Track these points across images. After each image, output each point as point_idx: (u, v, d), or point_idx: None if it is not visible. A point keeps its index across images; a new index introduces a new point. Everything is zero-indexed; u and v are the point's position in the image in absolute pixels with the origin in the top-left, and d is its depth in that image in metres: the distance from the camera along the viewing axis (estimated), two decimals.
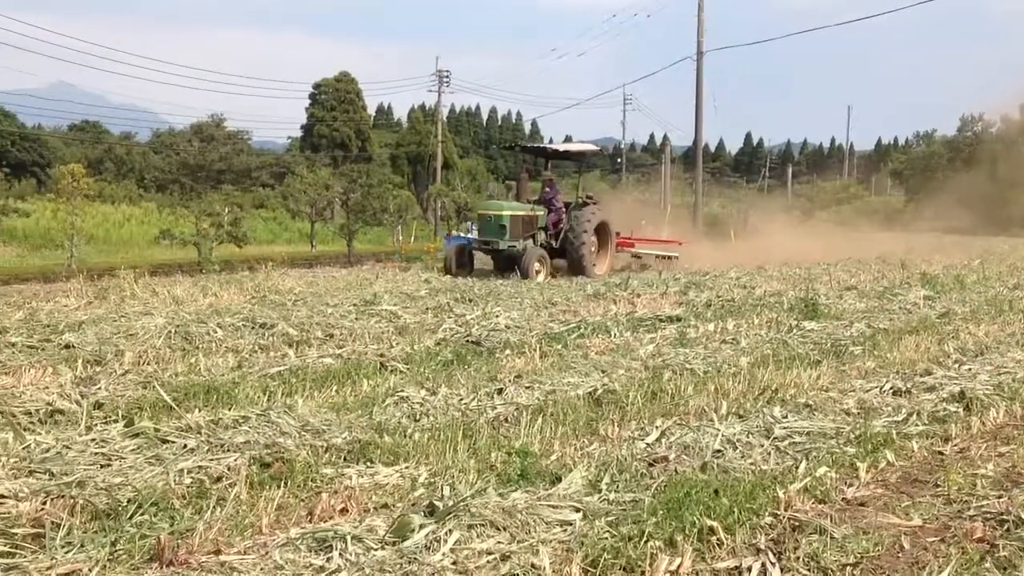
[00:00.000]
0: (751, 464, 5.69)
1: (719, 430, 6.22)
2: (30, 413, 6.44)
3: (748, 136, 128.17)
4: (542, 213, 21.87)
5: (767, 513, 4.84)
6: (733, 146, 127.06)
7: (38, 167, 66.20)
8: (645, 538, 4.40)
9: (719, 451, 5.87)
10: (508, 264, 20.56)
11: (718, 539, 4.48)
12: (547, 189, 22.57)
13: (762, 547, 4.45)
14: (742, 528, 4.63)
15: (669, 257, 24.85)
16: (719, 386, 7.93)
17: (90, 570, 3.97)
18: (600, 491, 5.07)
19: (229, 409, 6.51)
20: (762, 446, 6.02)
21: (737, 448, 5.97)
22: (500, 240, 20.81)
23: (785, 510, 4.88)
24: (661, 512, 4.68)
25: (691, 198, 49.09)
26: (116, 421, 6.12)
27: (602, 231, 22.42)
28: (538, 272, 20.09)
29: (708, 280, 17.82)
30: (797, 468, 5.61)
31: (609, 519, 4.63)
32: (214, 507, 4.74)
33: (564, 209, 22.14)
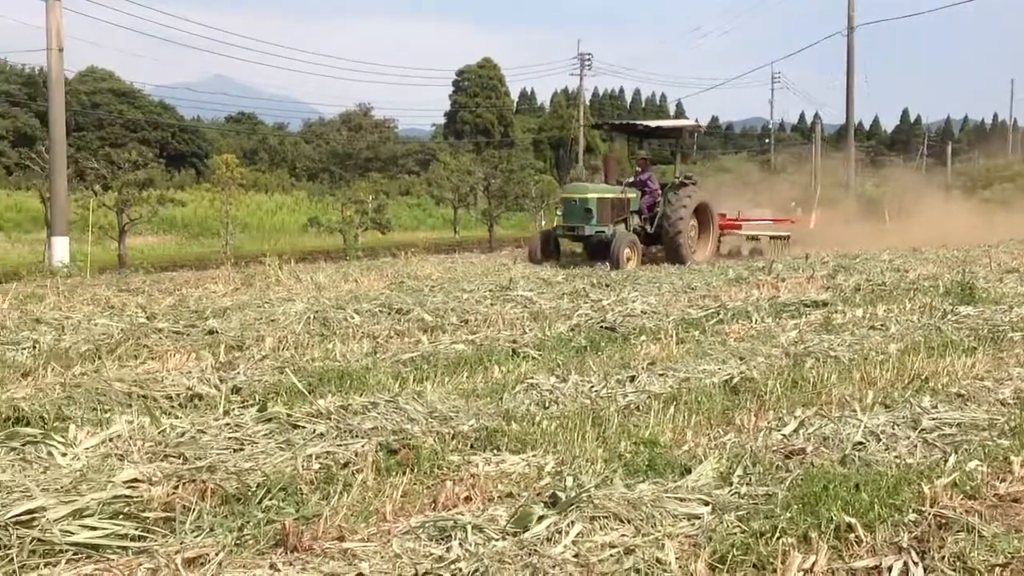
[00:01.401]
0: (895, 457, 5.39)
1: (862, 421, 5.93)
2: (171, 397, 6.63)
3: (904, 113, 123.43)
4: (634, 196, 20.35)
5: (911, 509, 4.56)
6: (889, 124, 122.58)
7: (196, 158, 68.88)
8: (777, 534, 4.20)
9: (861, 443, 5.59)
10: (599, 251, 19.23)
11: (856, 536, 4.24)
12: (640, 170, 21.22)
13: (904, 545, 4.19)
14: (883, 525, 4.37)
15: (781, 238, 23.10)
16: (865, 374, 7.58)
17: (217, 554, 4.00)
18: (731, 484, 4.89)
19: (360, 395, 6.56)
20: (908, 438, 5.70)
21: (881, 440, 5.67)
22: (586, 225, 19.44)
23: (931, 506, 4.59)
24: (796, 507, 4.46)
25: (843, 178, 47.56)
26: (251, 406, 6.23)
27: (702, 214, 20.84)
28: (628, 259, 18.73)
29: (858, 263, 17.20)
30: (945, 462, 5.29)
31: (740, 513, 4.45)
32: (340, 493, 4.75)
33: (660, 191, 20.68)
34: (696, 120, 28.26)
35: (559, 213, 20.75)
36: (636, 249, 19.20)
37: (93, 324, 9.60)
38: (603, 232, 19.26)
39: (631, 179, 21.03)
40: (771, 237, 23.06)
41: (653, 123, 23.61)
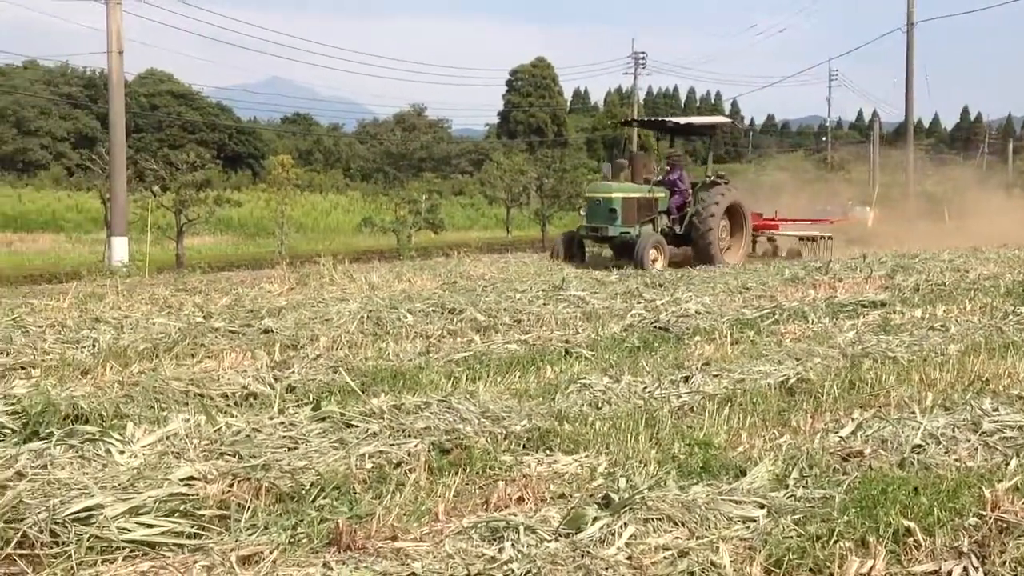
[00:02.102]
0: (955, 460, 5.28)
1: (921, 423, 5.82)
2: (227, 396, 6.70)
3: (965, 110, 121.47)
4: (663, 195, 19.50)
5: (971, 513, 4.45)
6: (948, 121, 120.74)
7: (253, 159, 69.74)
8: (834, 538, 4.13)
9: (920, 446, 5.48)
10: (625, 253, 18.56)
11: (915, 541, 4.15)
12: (671, 169, 20.27)
13: (964, 550, 4.10)
14: (942, 529, 4.28)
15: (820, 238, 21.64)
16: (924, 376, 7.45)
17: (271, 552, 4.03)
18: (787, 487, 4.81)
19: (412, 394, 6.57)
20: (968, 441, 5.59)
21: (940, 443, 5.56)
22: (610, 226, 18.61)
23: (992, 510, 4.48)
24: (853, 510, 4.38)
25: (902, 176, 46.87)
26: (306, 405, 6.26)
27: (735, 214, 19.94)
28: (654, 261, 17.99)
29: (917, 263, 16.92)
30: (1007, 465, 5.17)
31: (796, 517, 4.38)
32: (393, 492, 4.76)
33: (690, 191, 19.82)
34: (738, 117, 27.58)
35: (582, 213, 20.04)
36: (663, 250, 18.50)
37: (151, 323, 9.74)
38: (628, 233, 18.56)
39: (660, 178, 20.23)
40: (806, 238, 21.88)
41: (683, 120, 22.75)
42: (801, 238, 21.86)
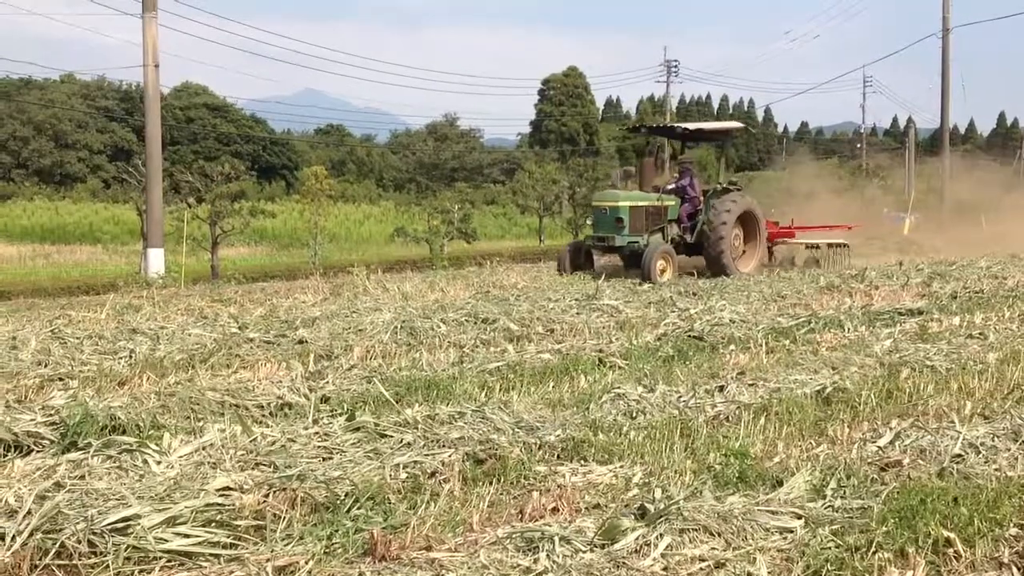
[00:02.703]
0: (995, 470, 5.21)
1: (960, 432, 5.75)
2: (262, 406, 6.73)
3: (1001, 115, 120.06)
4: (673, 203, 18.82)
5: (1012, 524, 4.40)
6: (985, 127, 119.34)
7: (287, 170, 70.27)
8: (873, 549, 4.09)
9: (959, 455, 5.41)
10: (634, 262, 17.87)
11: (955, 551, 4.11)
12: (681, 176, 19.57)
13: (1005, 560, 4.07)
14: (983, 540, 4.23)
15: (839, 245, 21.07)
16: (963, 385, 7.35)
17: (306, 563, 4.03)
18: (825, 497, 4.77)
19: (446, 404, 6.57)
20: (1009, 450, 5.51)
21: (980, 452, 5.49)
22: (617, 235, 17.87)
23: None
24: (892, 521, 4.34)
25: (938, 183, 46.43)
26: (340, 415, 6.28)
27: (748, 222, 19.22)
28: (663, 271, 17.22)
29: (955, 270, 16.75)
30: None
31: (834, 527, 4.34)
32: (427, 502, 4.76)
33: (701, 198, 19.09)
34: (753, 122, 26.93)
35: (589, 223, 19.43)
36: (671, 260, 17.70)
37: (187, 334, 9.81)
38: (636, 242, 17.90)
39: (670, 185, 19.50)
40: (822, 246, 21.11)
41: (692, 125, 21.92)
42: (817, 246, 21.20)
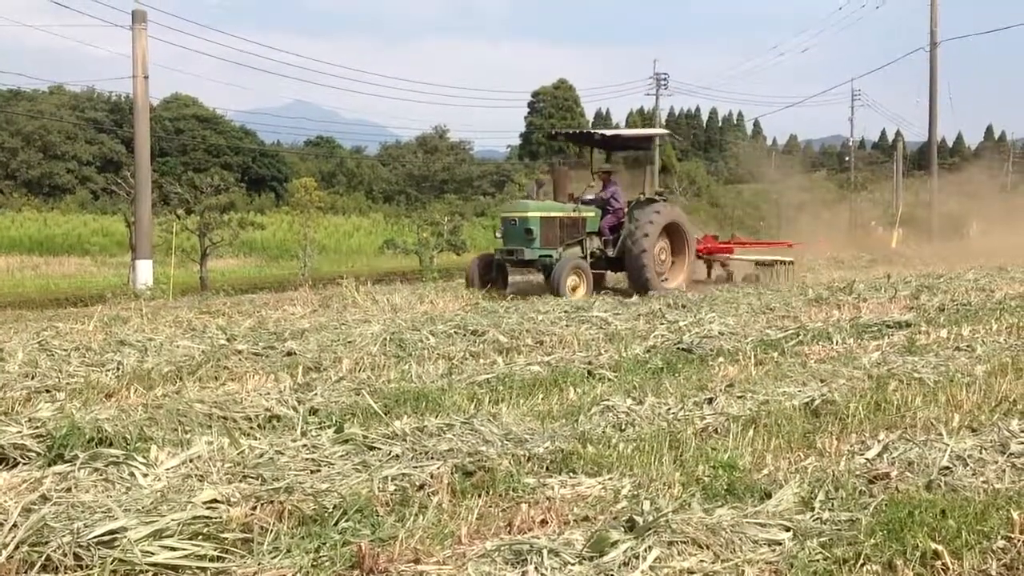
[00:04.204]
0: (983, 482, 5.21)
1: (948, 445, 5.75)
2: (250, 419, 6.70)
3: (989, 128, 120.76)
4: (592, 215, 17.65)
5: (1000, 536, 4.39)
6: (972, 140, 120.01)
7: (276, 182, 70.20)
8: (861, 561, 4.09)
9: (947, 468, 5.42)
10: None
11: (943, 564, 4.11)
12: (604, 185, 18.38)
13: (993, 573, 4.07)
14: (971, 552, 4.23)
15: (780, 263, 19.88)
16: (951, 397, 7.37)
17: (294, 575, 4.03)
18: (813, 509, 4.77)
19: (435, 416, 6.56)
20: (996, 463, 5.51)
21: (968, 465, 5.49)
22: (526, 248, 16.63)
23: (1020, 533, 4.42)
24: (880, 533, 4.34)
25: (926, 196, 46.68)
26: (328, 427, 6.26)
27: (676, 235, 18.17)
28: (574, 288, 16.14)
29: (942, 282, 16.78)
30: None
31: (822, 540, 4.34)
32: (416, 515, 4.74)
33: (626, 210, 17.99)
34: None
35: (497, 236, 17.90)
36: (584, 275, 16.57)
37: (175, 346, 9.78)
38: (549, 256, 16.71)
39: (588, 195, 18.39)
40: (763, 263, 20.06)
41: (610, 132, 20.06)
42: (758, 263, 20.22)
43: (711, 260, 20.05)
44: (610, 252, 17.66)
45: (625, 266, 17.54)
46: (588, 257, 17.23)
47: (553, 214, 17.06)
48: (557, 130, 18.86)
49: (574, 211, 17.36)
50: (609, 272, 18.31)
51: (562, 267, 16.18)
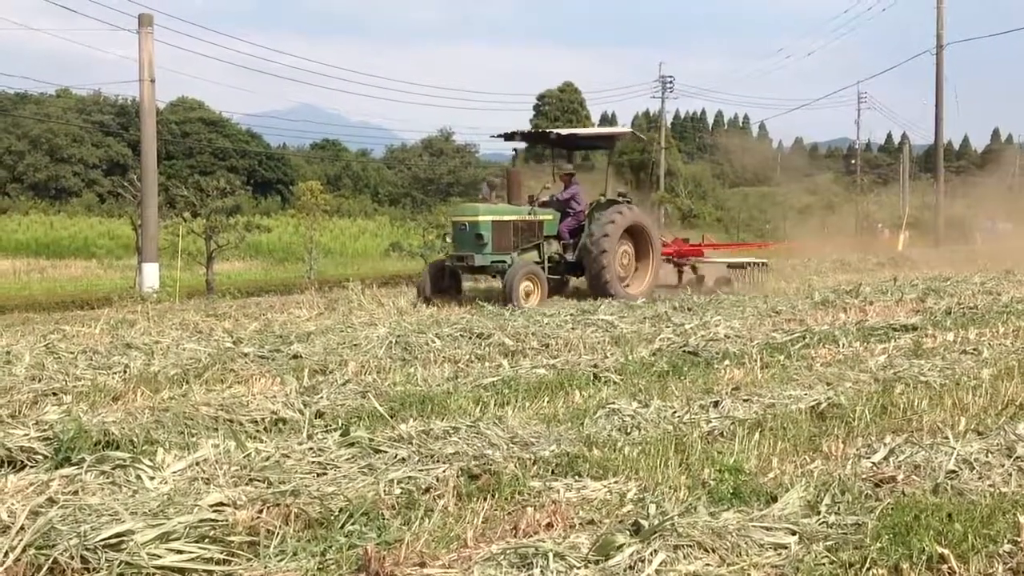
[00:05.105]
0: (989, 486, 5.20)
1: (954, 448, 5.74)
2: (256, 422, 6.72)
3: (995, 132, 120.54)
4: (550, 218, 16.79)
5: (1006, 540, 4.39)
6: (979, 143, 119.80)
7: (282, 185, 70.26)
8: (867, 565, 4.09)
9: (953, 471, 5.41)
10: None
11: (949, 568, 4.10)
12: (565, 187, 17.42)
13: None
14: (977, 556, 4.22)
15: (756, 265, 19.01)
16: (957, 400, 7.36)
17: None
18: (819, 513, 4.76)
19: (441, 420, 6.57)
20: (1003, 466, 5.51)
21: (974, 468, 5.48)
22: (476, 254, 15.79)
23: None
24: (886, 537, 4.34)
25: (932, 199, 46.61)
26: (334, 430, 6.27)
27: (640, 238, 17.28)
28: (528, 294, 15.26)
29: (949, 286, 16.77)
30: None
31: (828, 543, 4.33)
32: (422, 518, 4.75)
33: (586, 212, 17.09)
34: (642, 130, 23.63)
35: (448, 241, 17.42)
36: (539, 281, 15.58)
37: (181, 349, 9.80)
38: (503, 262, 15.81)
39: (544, 197, 17.34)
40: (735, 266, 19.14)
41: (566, 131, 18.64)
42: (730, 266, 19.32)
43: (681, 264, 19.30)
44: (570, 256, 16.89)
45: (584, 271, 16.75)
46: (546, 262, 16.53)
47: (506, 217, 16.23)
48: (514, 131, 17.78)
49: (530, 214, 16.52)
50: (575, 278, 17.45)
51: (514, 273, 15.31)
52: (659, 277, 17.93)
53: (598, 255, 16.22)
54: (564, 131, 18.24)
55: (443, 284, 16.35)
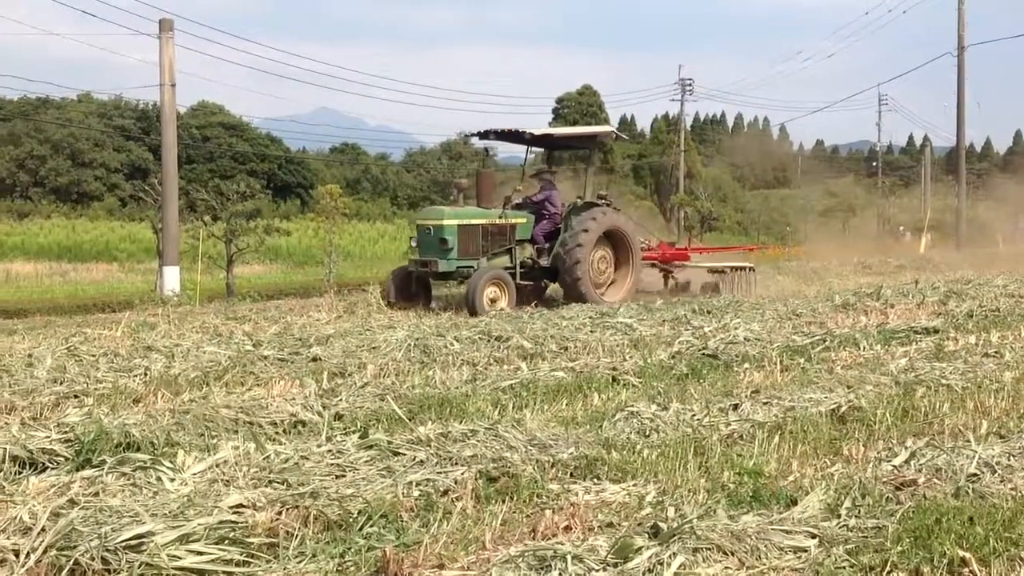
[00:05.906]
0: (1011, 489, 5.16)
1: (976, 452, 5.70)
2: (275, 424, 6.74)
3: (1018, 134, 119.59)
4: (523, 221, 16.16)
5: None
6: (1001, 145, 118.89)
7: (302, 188, 70.42)
8: (888, 568, 4.07)
9: (975, 475, 5.37)
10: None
11: (971, 571, 4.08)
12: (540, 189, 16.95)
13: None
14: (998, 559, 4.20)
15: (743, 269, 18.74)
16: (979, 403, 7.32)
17: None
18: (839, 516, 4.74)
19: (459, 422, 6.57)
20: None
21: (996, 472, 5.44)
22: (441, 260, 15.15)
23: None
24: (907, 540, 4.31)
25: (954, 201, 46.32)
26: (353, 432, 6.28)
27: (619, 242, 16.72)
28: (493, 301, 14.67)
29: (971, 288, 16.63)
30: None
31: (848, 547, 4.31)
32: (440, 520, 4.75)
33: (562, 215, 16.50)
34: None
35: (413, 245, 16.35)
36: (505, 287, 15.02)
37: (202, 351, 9.85)
38: (470, 267, 15.30)
39: (517, 199, 16.71)
40: (720, 270, 18.77)
41: (540, 131, 17.68)
42: (715, 270, 18.91)
43: (667, 268, 18.75)
44: (544, 261, 16.22)
45: (559, 277, 16.23)
46: (519, 267, 15.85)
47: (473, 221, 15.61)
48: (487, 129, 17.19)
49: (500, 217, 15.92)
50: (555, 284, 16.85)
51: (477, 279, 14.64)
52: (641, 282, 17.45)
53: (571, 265, 15.76)
54: (539, 131, 17.56)
55: (410, 291, 15.81)
